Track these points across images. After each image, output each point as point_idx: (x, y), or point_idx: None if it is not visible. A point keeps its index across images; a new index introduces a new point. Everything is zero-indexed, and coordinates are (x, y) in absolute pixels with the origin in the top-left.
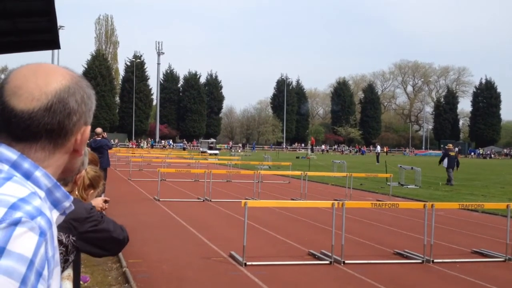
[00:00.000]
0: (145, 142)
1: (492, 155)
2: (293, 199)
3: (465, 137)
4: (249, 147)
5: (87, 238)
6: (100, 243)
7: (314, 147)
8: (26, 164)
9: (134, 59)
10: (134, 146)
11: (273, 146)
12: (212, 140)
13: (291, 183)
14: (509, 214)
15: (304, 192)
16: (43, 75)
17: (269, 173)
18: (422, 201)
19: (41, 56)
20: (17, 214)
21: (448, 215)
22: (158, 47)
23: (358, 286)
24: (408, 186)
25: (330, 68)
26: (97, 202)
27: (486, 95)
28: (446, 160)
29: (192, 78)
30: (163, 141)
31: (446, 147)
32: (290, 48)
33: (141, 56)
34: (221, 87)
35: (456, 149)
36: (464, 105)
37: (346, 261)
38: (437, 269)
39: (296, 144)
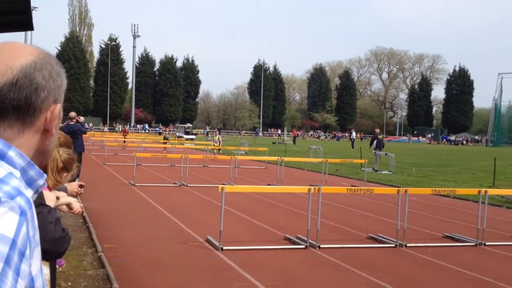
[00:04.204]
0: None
1: (464, 142)
2: (269, 185)
3: (438, 123)
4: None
5: None
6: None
7: (294, 137)
8: None
9: (109, 42)
10: (126, 132)
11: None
12: (189, 125)
13: (267, 168)
14: (480, 200)
15: (281, 177)
16: (9, 51)
17: (245, 158)
18: (395, 187)
19: (14, 38)
20: None
21: (421, 200)
22: (134, 30)
23: (333, 269)
24: (382, 172)
25: (307, 54)
26: (72, 186)
27: (460, 83)
28: (375, 143)
29: (168, 62)
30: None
31: (375, 131)
32: (267, 33)
33: (116, 38)
34: (197, 72)
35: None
36: (438, 93)
37: (321, 246)
38: (409, 253)
39: (273, 129)
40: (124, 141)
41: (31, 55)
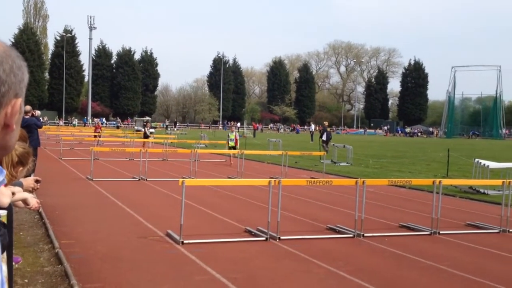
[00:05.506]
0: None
1: (419, 134)
2: (230, 178)
3: (394, 116)
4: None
5: None
6: None
7: (254, 130)
8: None
9: (64, 34)
10: (98, 127)
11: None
12: (147, 118)
13: (227, 161)
14: (435, 190)
15: (241, 170)
16: None
17: (205, 151)
18: (353, 178)
19: None
20: None
21: (378, 191)
22: (90, 21)
23: (293, 260)
24: (340, 164)
25: (266, 47)
26: (28, 182)
27: (415, 76)
28: (325, 135)
29: (126, 55)
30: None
31: (324, 123)
32: (227, 26)
33: (72, 30)
34: (156, 64)
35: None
36: (394, 85)
37: (282, 237)
38: (367, 242)
39: (232, 122)
40: (96, 137)
41: None
